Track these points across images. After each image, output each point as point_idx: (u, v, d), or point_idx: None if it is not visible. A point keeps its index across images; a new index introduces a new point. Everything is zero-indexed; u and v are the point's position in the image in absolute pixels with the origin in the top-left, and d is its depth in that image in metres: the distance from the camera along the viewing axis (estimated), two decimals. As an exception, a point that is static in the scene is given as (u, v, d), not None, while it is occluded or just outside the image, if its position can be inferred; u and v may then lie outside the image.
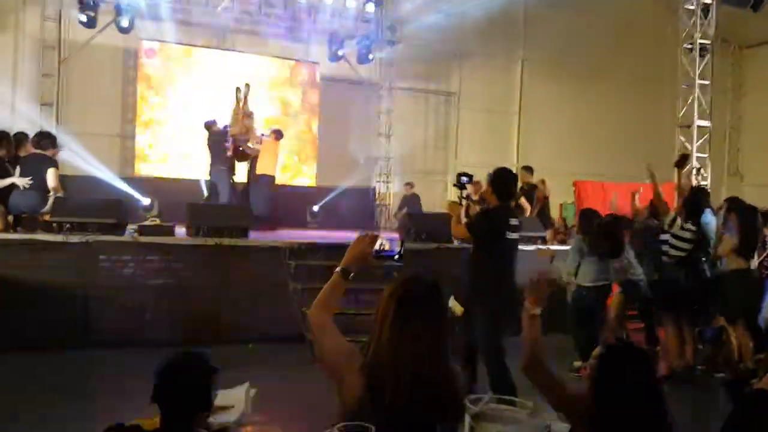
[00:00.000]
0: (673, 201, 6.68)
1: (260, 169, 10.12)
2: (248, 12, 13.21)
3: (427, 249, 7.60)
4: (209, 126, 10.31)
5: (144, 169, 12.22)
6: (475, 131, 15.15)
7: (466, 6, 12.94)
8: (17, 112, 11.29)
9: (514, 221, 4.65)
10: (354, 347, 1.99)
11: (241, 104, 10.68)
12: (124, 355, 5.58)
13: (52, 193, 6.69)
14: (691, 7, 10.17)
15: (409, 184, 13.04)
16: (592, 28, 14.09)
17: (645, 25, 14.15)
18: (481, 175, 6.21)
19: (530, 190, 9.97)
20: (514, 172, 5.40)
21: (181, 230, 7.41)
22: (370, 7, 13.59)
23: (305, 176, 13.67)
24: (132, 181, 10.99)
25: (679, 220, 5.89)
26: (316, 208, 12.32)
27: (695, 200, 6.03)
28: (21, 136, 7.33)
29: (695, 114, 10.19)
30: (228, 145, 10.22)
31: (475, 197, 7.40)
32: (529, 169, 10.31)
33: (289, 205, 11.56)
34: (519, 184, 10.30)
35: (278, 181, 10.93)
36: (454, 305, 4.52)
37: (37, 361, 5.49)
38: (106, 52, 12.15)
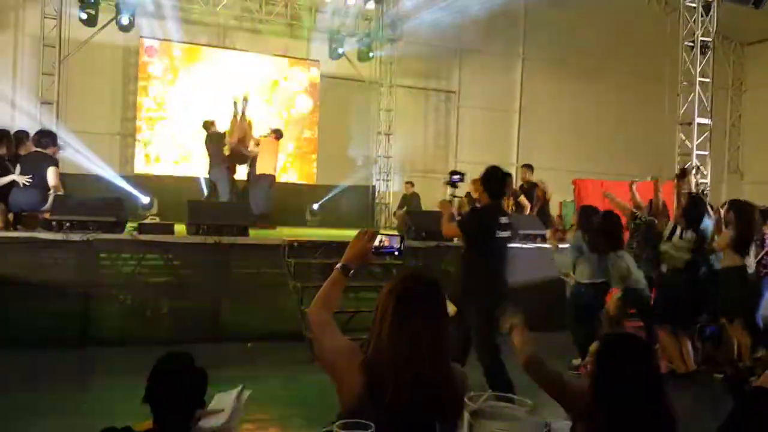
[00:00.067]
0: (672, 203, 6.70)
1: (260, 169, 10.10)
2: (249, 10, 13.26)
3: (426, 247, 7.60)
4: (208, 125, 10.31)
5: (144, 167, 12.21)
6: (475, 129, 15.13)
7: (467, 4, 12.92)
8: (17, 110, 11.32)
9: (504, 219, 4.63)
10: (354, 345, 1.97)
11: (238, 117, 10.68)
12: (124, 353, 5.59)
13: (52, 192, 6.68)
14: (693, 5, 10.13)
15: (410, 183, 13.05)
16: (593, 26, 14.08)
17: (645, 24, 14.17)
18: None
19: (530, 188, 9.94)
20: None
21: (180, 228, 7.41)
22: (371, 5, 13.62)
23: (305, 174, 13.66)
24: (132, 179, 11.04)
25: (678, 230, 5.94)
26: (315, 206, 12.34)
27: (693, 208, 6.06)
28: (21, 135, 7.34)
29: (695, 111, 10.17)
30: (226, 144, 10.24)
31: (475, 195, 7.39)
32: (529, 167, 10.30)
33: (289, 203, 11.57)
34: (519, 182, 10.38)
35: (278, 179, 10.92)
36: (448, 305, 4.50)
37: (36, 360, 5.48)
38: (107, 50, 12.13)
